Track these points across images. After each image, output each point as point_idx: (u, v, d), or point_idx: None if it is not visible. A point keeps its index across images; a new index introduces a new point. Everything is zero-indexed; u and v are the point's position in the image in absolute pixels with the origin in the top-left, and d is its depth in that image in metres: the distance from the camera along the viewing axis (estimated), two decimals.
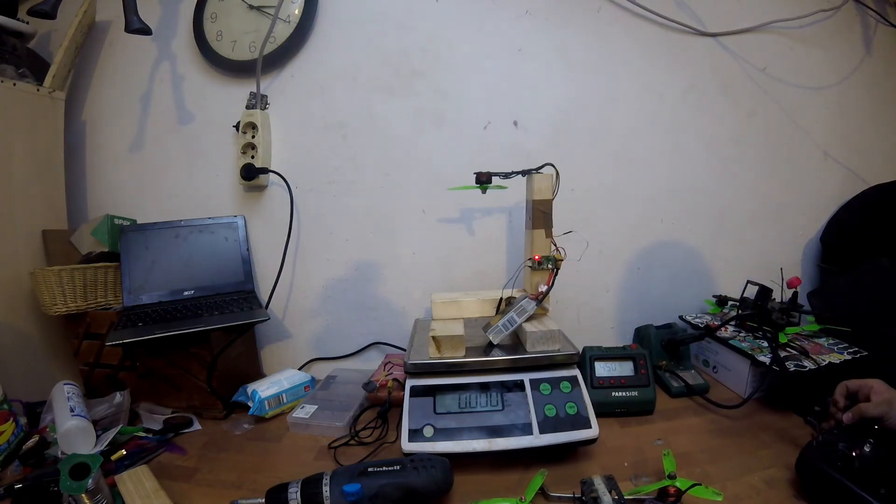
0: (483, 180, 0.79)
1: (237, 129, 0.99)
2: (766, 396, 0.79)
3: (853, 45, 1.02)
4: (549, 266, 0.74)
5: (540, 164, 0.77)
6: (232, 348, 0.87)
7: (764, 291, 0.87)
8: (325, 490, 0.53)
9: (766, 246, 1.03)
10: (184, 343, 0.81)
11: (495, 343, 0.72)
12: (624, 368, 0.80)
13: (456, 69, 0.97)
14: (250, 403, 0.81)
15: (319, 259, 1.02)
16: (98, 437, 0.71)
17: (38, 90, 0.92)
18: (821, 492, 0.55)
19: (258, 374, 1.02)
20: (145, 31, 0.90)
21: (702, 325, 0.89)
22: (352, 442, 0.73)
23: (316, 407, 0.81)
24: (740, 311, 0.90)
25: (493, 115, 0.97)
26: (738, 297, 0.93)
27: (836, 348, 0.78)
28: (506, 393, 0.67)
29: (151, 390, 0.85)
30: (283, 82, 1.00)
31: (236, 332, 0.87)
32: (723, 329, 0.86)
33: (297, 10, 0.96)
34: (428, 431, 0.64)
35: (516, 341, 0.75)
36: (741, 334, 0.87)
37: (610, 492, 0.54)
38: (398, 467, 0.56)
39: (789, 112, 1.01)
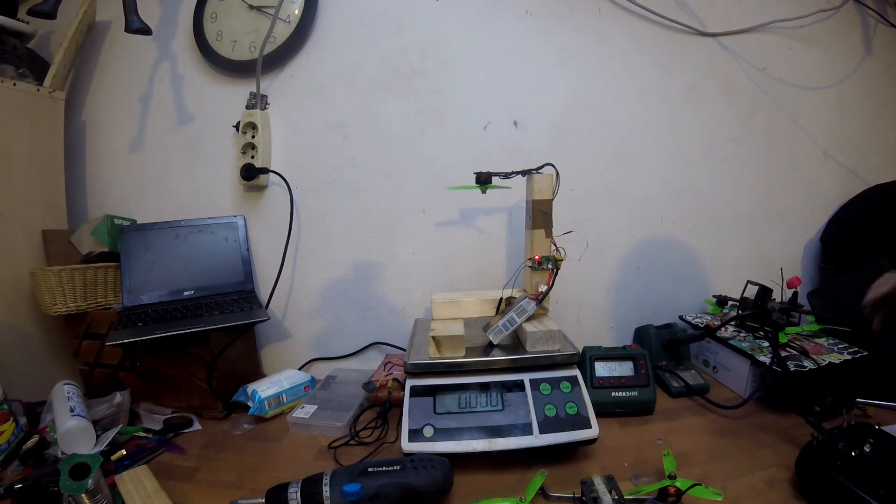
0: (483, 180, 0.79)
1: (237, 129, 0.99)
2: (766, 396, 0.79)
3: (853, 45, 1.02)
4: (549, 266, 0.74)
5: (540, 164, 0.77)
6: (232, 348, 0.87)
7: (764, 291, 0.87)
8: (325, 490, 0.53)
9: (766, 246, 1.03)
10: (184, 343, 0.81)
11: (495, 343, 0.72)
12: (624, 368, 0.79)
13: (456, 69, 0.97)
14: (250, 403, 0.81)
15: (319, 259, 1.02)
16: (98, 437, 0.71)
17: (38, 90, 0.92)
18: (821, 492, 0.54)
19: (258, 374, 1.02)
20: (145, 31, 0.90)
21: (702, 325, 0.89)
22: (352, 442, 0.73)
23: (316, 407, 0.81)
24: (740, 311, 0.90)
25: (493, 115, 0.97)
26: (738, 297, 0.93)
27: (836, 348, 0.78)
28: (506, 393, 0.67)
29: (151, 390, 0.85)
30: (283, 82, 1.00)
31: (236, 332, 0.87)
32: (723, 329, 0.86)
33: (297, 10, 0.96)
34: (428, 431, 0.64)
35: (516, 341, 0.75)
36: (741, 334, 0.87)
37: (610, 492, 0.54)
38: (398, 467, 0.56)
39: (789, 112, 1.01)
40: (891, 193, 0.94)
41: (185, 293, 0.94)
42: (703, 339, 0.87)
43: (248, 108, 0.99)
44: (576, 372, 0.70)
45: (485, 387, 0.68)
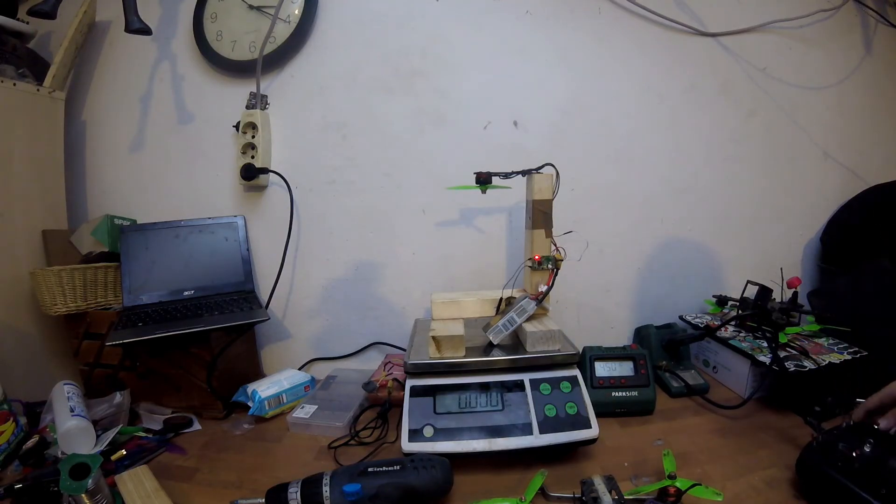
0: (483, 180, 0.79)
1: (237, 129, 0.99)
2: (766, 396, 0.79)
3: (853, 45, 1.02)
4: (549, 266, 0.74)
5: (540, 164, 0.77)
6: (232, 348, 0.87)
7: (764, 291, 0.87)
8: (325, 490, 0.53)
9: (766, 246, 1.03)
10: (184, 343, 0.81)
11: (495, 343, 0.72)
12: (624, 368, 0.79)
13: (456, 69, 0.97)
14: (250, 403, 0.81)
15: (319, 259, 1.02)
16: (98, 437, 0.71)
17: (38, 90, 0.92)
18: (821, 492, 0.55)
19: (258, 374, 1.02)
20: (145, 31, 0.90)
21: (702, 325, 0.89)
22: (352, 442, 0.73)
23: (316, 407, 0.81)
24: (740, 311, 0.90)
25: (493, 115, 0.97)
26: (738, 297, 0.93)
27: (836, 348, 0.78)
28: (506, 393, 0.67)
29: (151, 390, 0.85)
30: (283, 82, 1.00)
31: (236, 332, 0.87)
32: (723, 329, 0.86)
33: (297, 10, 0.96)
34: (428, 431, 0.64)
35: (516, 341, 0.75)
36: (741, 334, 0.87)
37: (610, 492, 0.54)
38: (398, 467, 0.56)
39: (789, 112, 1.01)
40: (891, 193, 0.94)
41: (185, 293, 0.94)
42: (703, 339, 0.87)
43: (248, 108, 0.99)
44: (576, 372, 0.70)
45: (485, 387, 0.68)
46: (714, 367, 0.91)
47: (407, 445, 0.63)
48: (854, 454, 0.53)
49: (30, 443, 0.69)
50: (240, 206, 1.03)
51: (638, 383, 0.78)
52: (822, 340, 0.82)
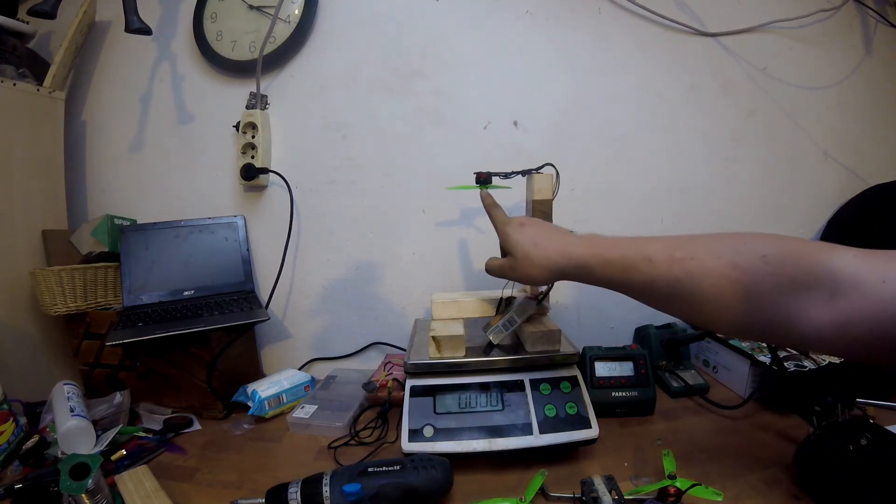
0: (483, 180, 0.79)
1: (237, 129, 0.99)
2: (766, 396, 0.79)
3: (853, 45, 1.02)
4: None
5: (540, 164, 0.77)
6: (232, 348, 0.87)
7: None
8: (325, 490, 0.53)
9: None
10: (184, 343, 0.81)
11: (495, 343, 0.72)
12: (624, 368, 0.79)
13: (456, 69, 0.97)
14: (250, 403, 0.81)
15: (319, 259, 1.02)
16: (98, 437, 0.71)
17: (38, 90, 0.92)
18: (819, 486, 0.55)
19: (258, 374, 1.02)
20: (145, 31, 0.90)
21: None
22: (352, 442, 0.73)
23: (316, 407, 0.81)
24: None
25: (493, 115, 0.97)
26: None
27: None
28: (506, 393, 0.67)
29: (151, 390, 0.85)
30: (283, 82, 1.00)
31: (236, 332, 0.87)
32: None
33: (297, 10, 0.96)
34: (428, 431, 0.64)
35: (516, 341, 0.75)
36: None
37: (610, 492, 0.54)
38: (398, 467, 0.56)
39: (789, 112, 1.01)
40: (891, 193, 0.94)
41: (185, 293, 0.94)
42: (703, 339, 0.87)
43: (248, 108, 0.99)
44: (576, 372, 0.70)
45: (485, 387, 0.68)
46: (714, 367, 0.91)
47: (407, 445, 0.63)
48: (851, 448, 0.53)
49: (30, 443, 0.69)
50: (240, 206, 1.03)
51: (638, 383, 0.78)
52: None
